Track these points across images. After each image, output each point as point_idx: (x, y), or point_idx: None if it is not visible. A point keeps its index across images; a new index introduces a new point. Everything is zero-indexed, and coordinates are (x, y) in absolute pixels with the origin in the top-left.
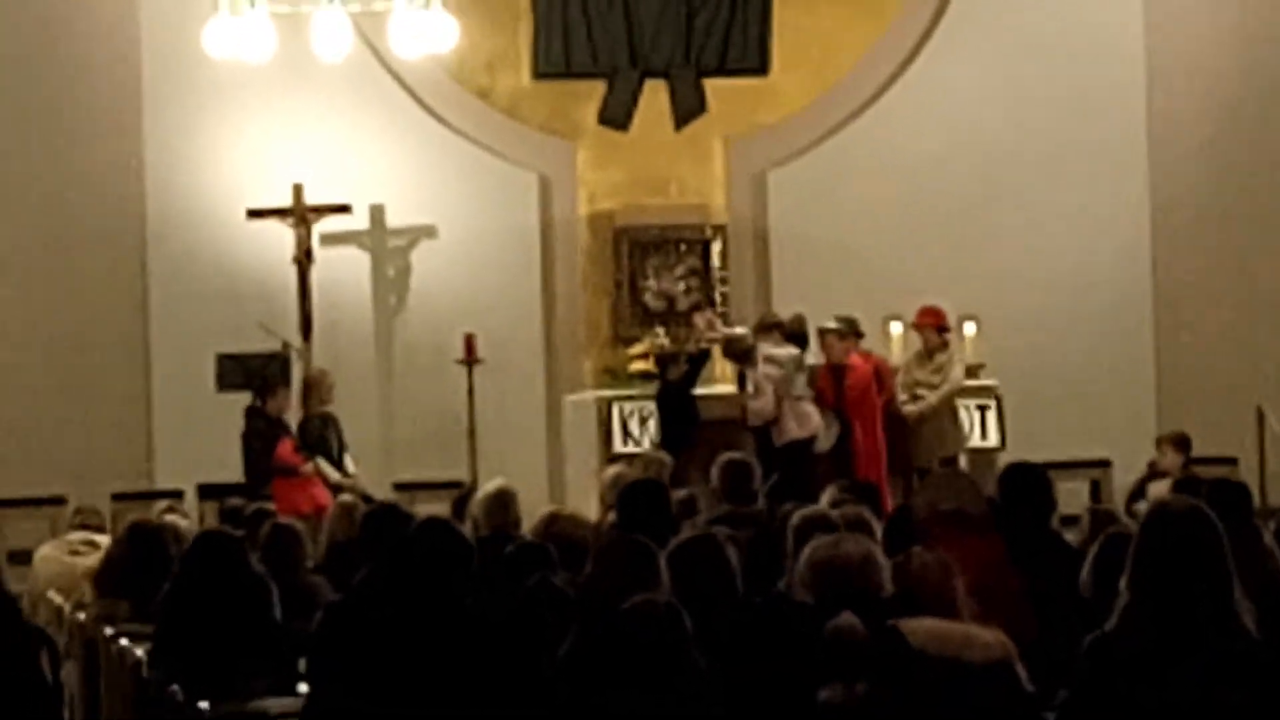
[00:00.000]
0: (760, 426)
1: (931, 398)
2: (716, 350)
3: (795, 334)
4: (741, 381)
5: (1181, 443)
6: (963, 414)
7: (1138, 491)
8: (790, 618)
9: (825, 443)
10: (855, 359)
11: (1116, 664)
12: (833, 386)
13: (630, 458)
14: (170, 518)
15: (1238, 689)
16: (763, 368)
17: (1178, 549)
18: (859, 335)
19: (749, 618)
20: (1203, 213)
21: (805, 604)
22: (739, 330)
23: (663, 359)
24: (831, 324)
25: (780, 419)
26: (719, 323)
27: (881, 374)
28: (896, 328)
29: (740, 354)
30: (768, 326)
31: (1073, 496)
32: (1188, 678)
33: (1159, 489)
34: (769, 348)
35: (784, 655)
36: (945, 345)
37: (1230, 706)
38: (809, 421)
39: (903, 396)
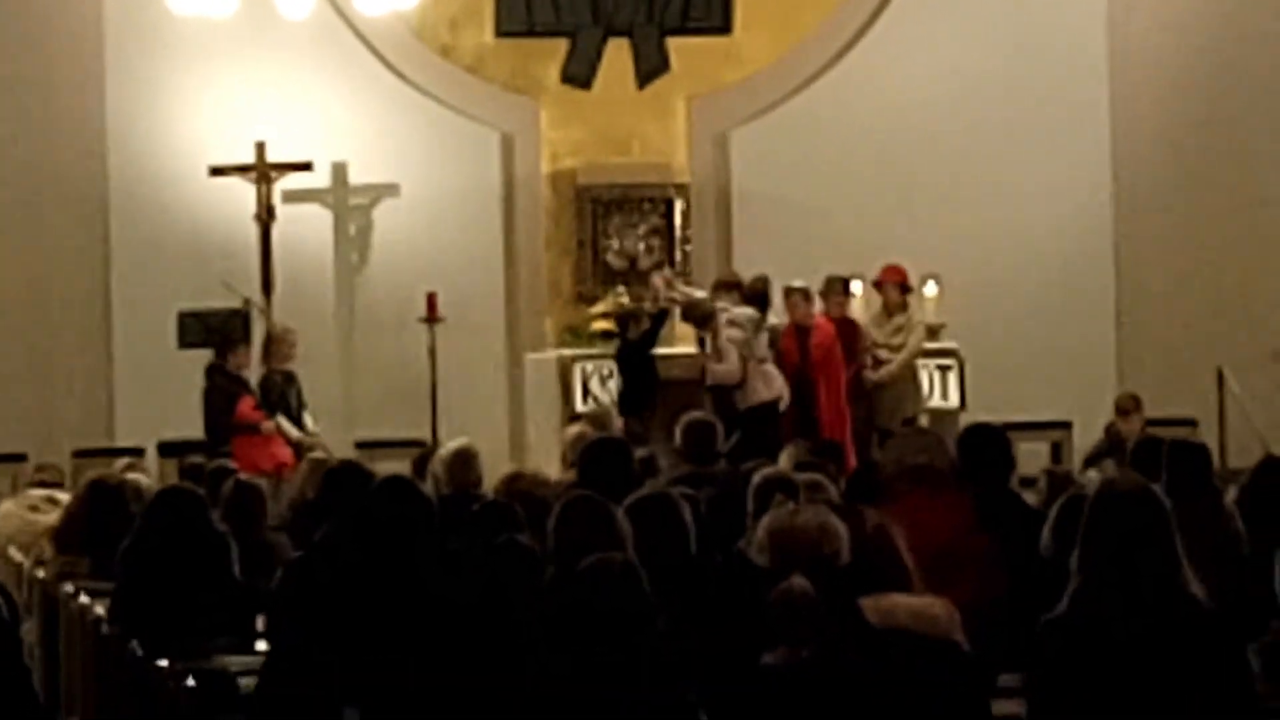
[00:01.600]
0: (720, 387)
1: (893, 364)
2: (676, 310)
3: (756, 294)
4: (701, 343)
5: (1136, 405)
6: (923, 375)
7: (1094, 456)
8: (745, 580)
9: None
10: (819, 319)
11: (1070, 646)
12: (797, 347)
13: (583, 416)
14: (131, 475)
15: (1190, 662)
16: (726, 331)
17: (1125, 529)
18: (848, 294)
19: (704, 578)
20: (1164, 174)
21: (761, 567)
22: (698, 293)
23: (623, 318)
24: (797, 283)
25: (746, 380)
26: (678, 282)
27: (851, 335)
28: (857, 287)
29: (700, 318)
30: (727, 285)
31: (1033, 458)
32: (1140, 655)
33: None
34: (730, 308)
35: (736, 617)
36: (905, 306)
37: (1184, 680)
38: (774, 383)
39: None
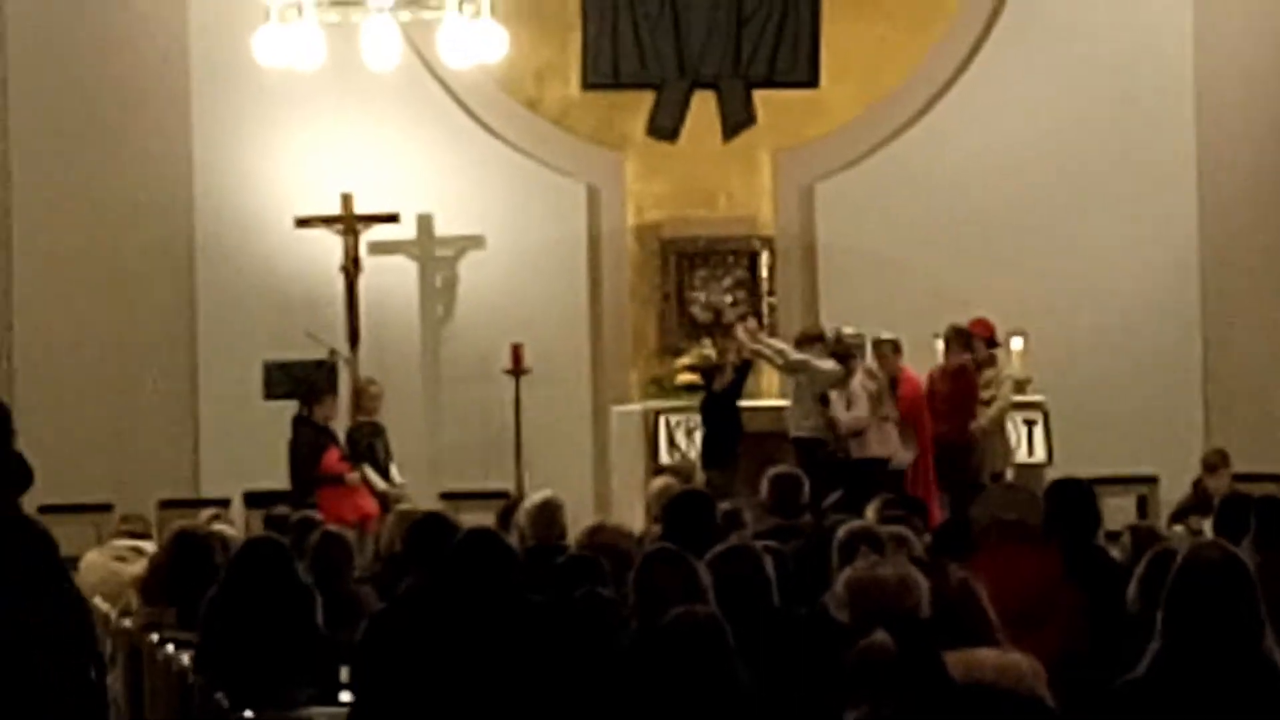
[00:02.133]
0: (807, 440)
1: (983, 418)
2: (761, 362)
3: (839, 353)
4: (824, 399)
5: (1224, 460)
6: (1010, 429)
7: (1181, 512)
8: (828, 635)
9: (900, 462)
10: (907, 372)
11: (1146, 708)
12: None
13: (667, 469)
14: (216, 525)
15: None
16: (860, 379)
17: (1209, 598)
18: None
19: (788, 632)
20: (1251, 228)
21: (841, 623)
22: (781, 345)
23: (708, 370)
24: (886, 335)
25: (864, 433)
26: (762, 334)
27: (969, 384)
28: (941, 344)
29: (846, 353)
30: (811, 339)
31: (1119, 513)
32: None
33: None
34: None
35: (818, 673)
36: (993, 360)
37: None
38: (889, 441)
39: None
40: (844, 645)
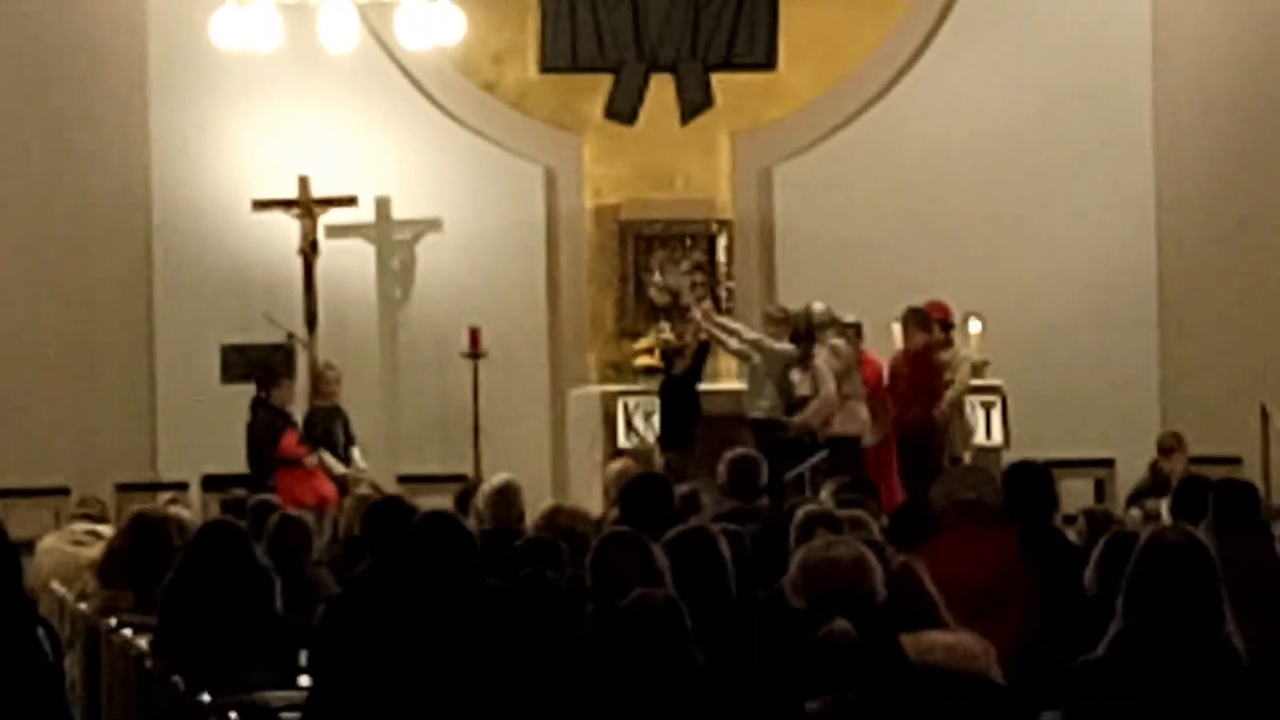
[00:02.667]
0: (764, 421)
1: (942, 401)
2: (717, 345)
3: (805, 329)
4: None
5: (1179, 443)
6: (967, 412)
7: (1137, 494)
8: (784, 619)
9: (871, 439)
10: (868, 355)
11: (1105, 689)
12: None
13: (625, 452)
14: (174, 509)
15: (1225, 716)
16: (825, 356)
17: (1171, 582)
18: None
19: (746, 615)
20: (1207, 211)
21: (796, 608)
22: (736, 325)
23: (668, 353)
24: (849, 319)
25: (821, 420)
26: (717, 315)
27: (931, 368)
28: (898, 326)
29: (807, 331)
30: (777, 319)
31: (1077, 496)
32: (1173, 705)
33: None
34: (835, 340)
35: (775, 657)
36: (950, 343)
37: None
38: (857, 418)
39: None
40: (801, 629)
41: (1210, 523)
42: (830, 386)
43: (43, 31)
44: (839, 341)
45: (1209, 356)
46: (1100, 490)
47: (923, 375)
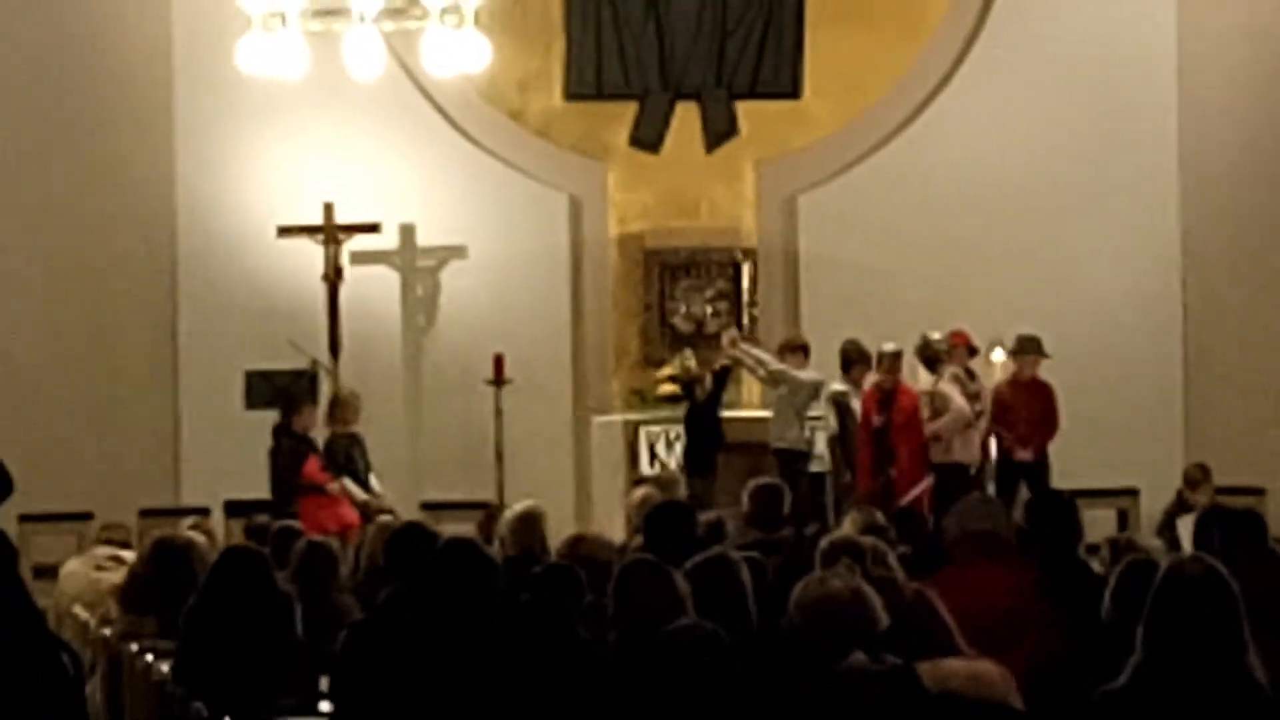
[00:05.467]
0: (788, 451)
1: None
2: (742, 371)
3: (928, 357)
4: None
5: (1205, 475)
6: (992, 441)
7: (1165, 525)
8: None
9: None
10: (905, 384)
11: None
12: (879, 409)
13: (649, 479)
14: (196, 534)
15: None
16: (948, 381)
17: (1192, 614)
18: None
19: (771, 643)
20: (1232, 244)
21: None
22: (761, 354)
23: (687, 382)
24: (888, 347)
25: (950, 438)
26: (744, 343)
27: (1049, 398)
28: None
29: (933, 358)
30: (794, 348)
31: (1101, 525)
32: None
33: (1186, 524)
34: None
35: (794, 688)
36: (973, 373)
37: None
38: (971, 447)
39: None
40: (809, 663)
41: (1222, 555)
42: (961, 402)
43: (68, 58)
44: (963, 368)
45: (1233, 387)
46: (1124, 519)
47: (1042, 408)
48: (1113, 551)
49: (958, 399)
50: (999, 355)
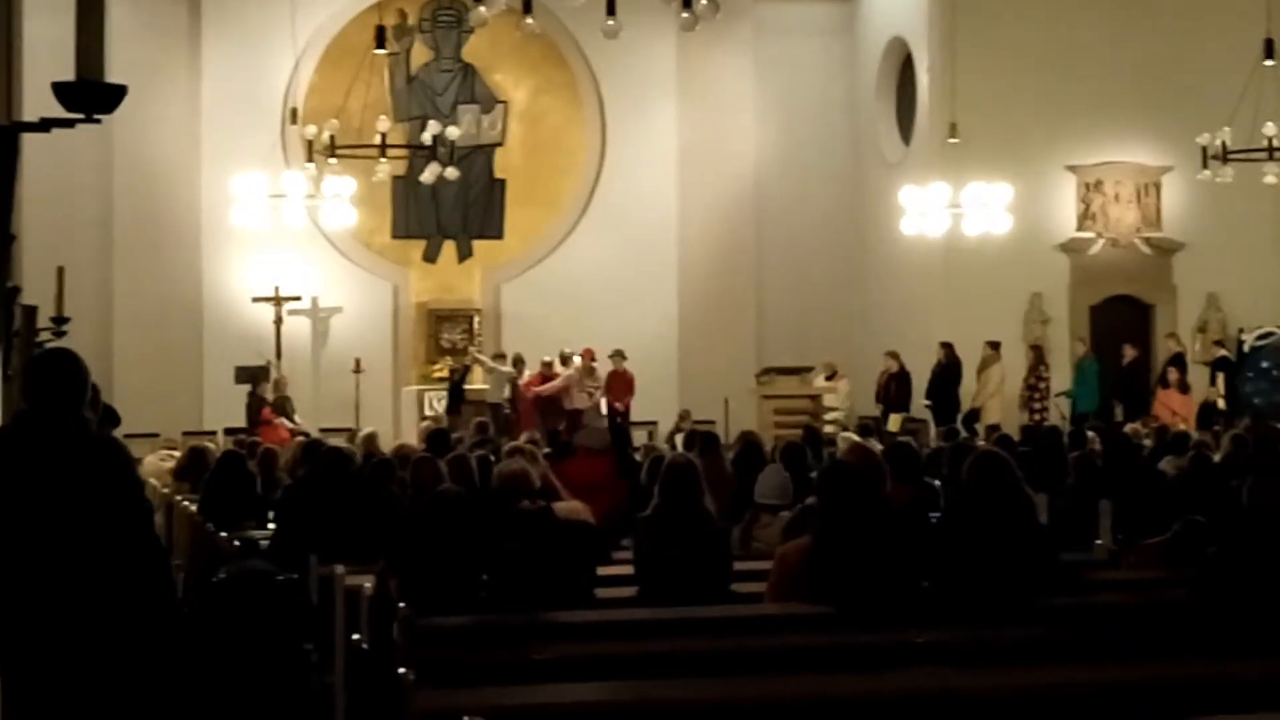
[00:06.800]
0: (494, 405)
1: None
2: (475, 367)
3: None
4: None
5: (687, 415)
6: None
7: (669, 438)
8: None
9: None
10: (552, 370)
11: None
12: (540, 382)
13: (430, 418)
14: (210, 444)
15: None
16: (574, 372)
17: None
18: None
19: (485, 499)
20: (707, 310)
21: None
22: (485, 357)
23: (453, 371)
24: (546, 358)
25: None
26: (476, 353)
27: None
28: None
29: (566, 359)
30: (502, 356)
31: (640, 438)
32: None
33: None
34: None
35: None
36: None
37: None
38: (585, 402)
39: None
40: (500, 505)
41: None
42: (572, 374)
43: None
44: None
45: (703, 370)
46: (651, 435)
47: (627, 382)
48: (647, 454)
49: (570, 374)
50: (606, 361)
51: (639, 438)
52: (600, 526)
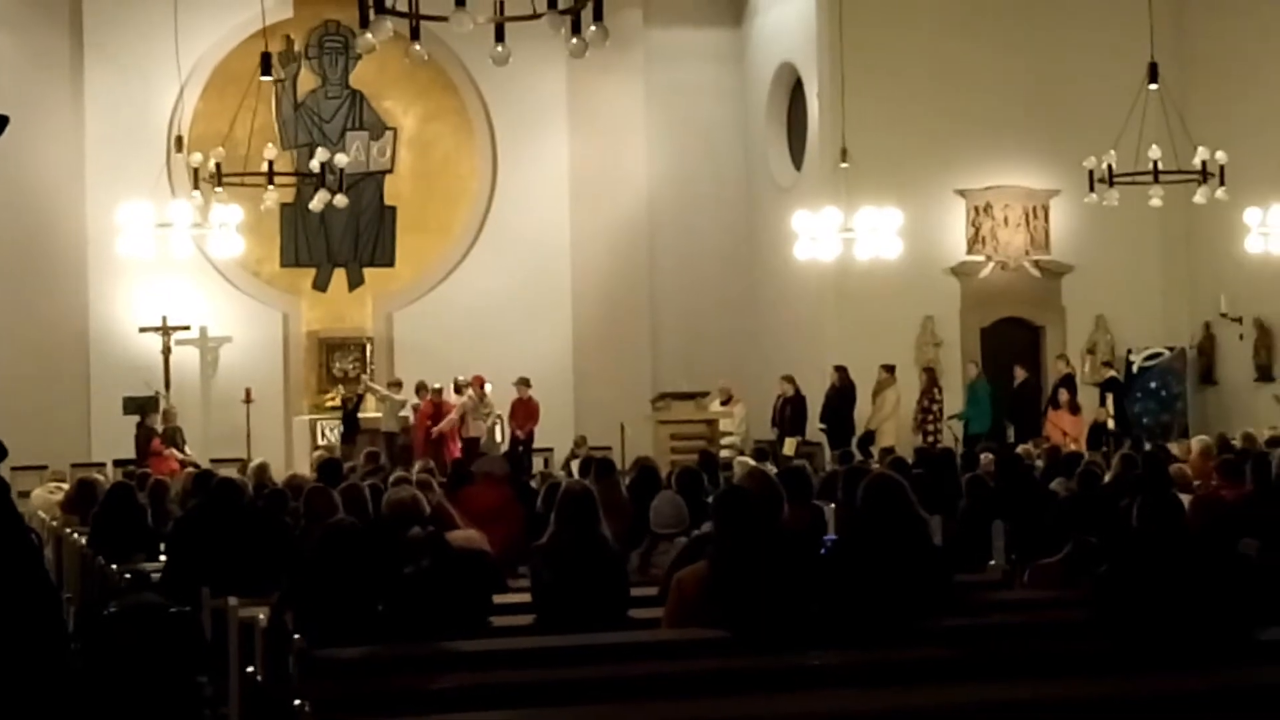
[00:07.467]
0: (389, 433)
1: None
2: (368, 395)
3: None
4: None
5: (583, 440)
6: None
7: (565, 464)
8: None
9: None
10: (445, 401)
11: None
12: (432, 413)
13: (322, 448)
14: (98, 476)
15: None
16: (465, 399)
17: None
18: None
19: (377, 530)
20: (600, 335)
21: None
22: (377, 385)
23: (345, 400)
24: (436, 384)
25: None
26: (369, 381)
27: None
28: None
29: (459, 388)
30: (398, 384)
31: (539, 465)
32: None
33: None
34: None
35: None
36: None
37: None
38: (480, 430)
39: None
40: (391, 536)
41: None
42: (465, 403)
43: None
44: (451, 397)
45: (599, 389)
46: (547, 463)
47: (529, 409)
48: (543, 481)
49: (464, 402)
50: (489, 390)
51: (535, 465)
52: (501, 554)
